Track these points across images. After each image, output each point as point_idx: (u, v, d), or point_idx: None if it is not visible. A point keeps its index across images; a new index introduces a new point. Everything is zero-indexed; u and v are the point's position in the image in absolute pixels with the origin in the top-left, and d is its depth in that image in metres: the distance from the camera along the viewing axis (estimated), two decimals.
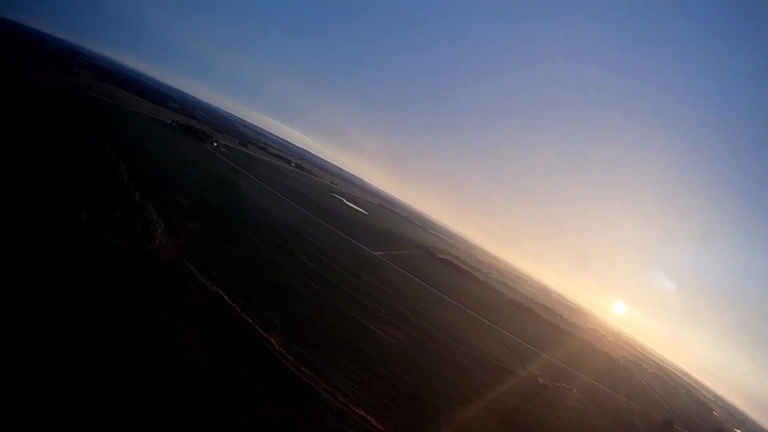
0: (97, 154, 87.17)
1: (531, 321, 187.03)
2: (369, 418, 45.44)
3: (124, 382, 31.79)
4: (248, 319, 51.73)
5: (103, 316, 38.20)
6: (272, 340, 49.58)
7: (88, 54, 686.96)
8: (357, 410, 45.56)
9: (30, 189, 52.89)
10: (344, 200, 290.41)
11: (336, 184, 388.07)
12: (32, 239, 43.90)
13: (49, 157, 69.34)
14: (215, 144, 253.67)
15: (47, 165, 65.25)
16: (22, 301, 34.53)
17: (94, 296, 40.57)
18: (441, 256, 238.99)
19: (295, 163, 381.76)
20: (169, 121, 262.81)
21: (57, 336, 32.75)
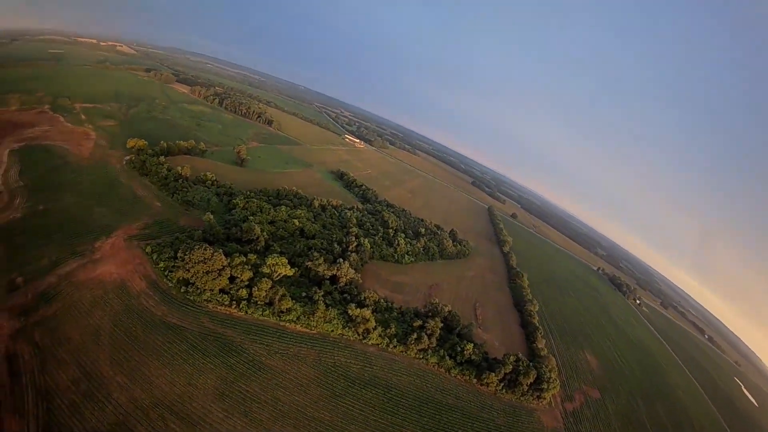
0: (514, 287, 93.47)
1: None
2: None
3: None
4: None
5: None
6: None
7: (514, 184, 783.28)
8: None
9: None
10: (742, 386, 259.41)
11: (740, 365, 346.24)
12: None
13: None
14: (638, 302, 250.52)
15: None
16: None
17: None
18: None
19: (708, 335, 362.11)
20: (595, 268, 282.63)
21: None
